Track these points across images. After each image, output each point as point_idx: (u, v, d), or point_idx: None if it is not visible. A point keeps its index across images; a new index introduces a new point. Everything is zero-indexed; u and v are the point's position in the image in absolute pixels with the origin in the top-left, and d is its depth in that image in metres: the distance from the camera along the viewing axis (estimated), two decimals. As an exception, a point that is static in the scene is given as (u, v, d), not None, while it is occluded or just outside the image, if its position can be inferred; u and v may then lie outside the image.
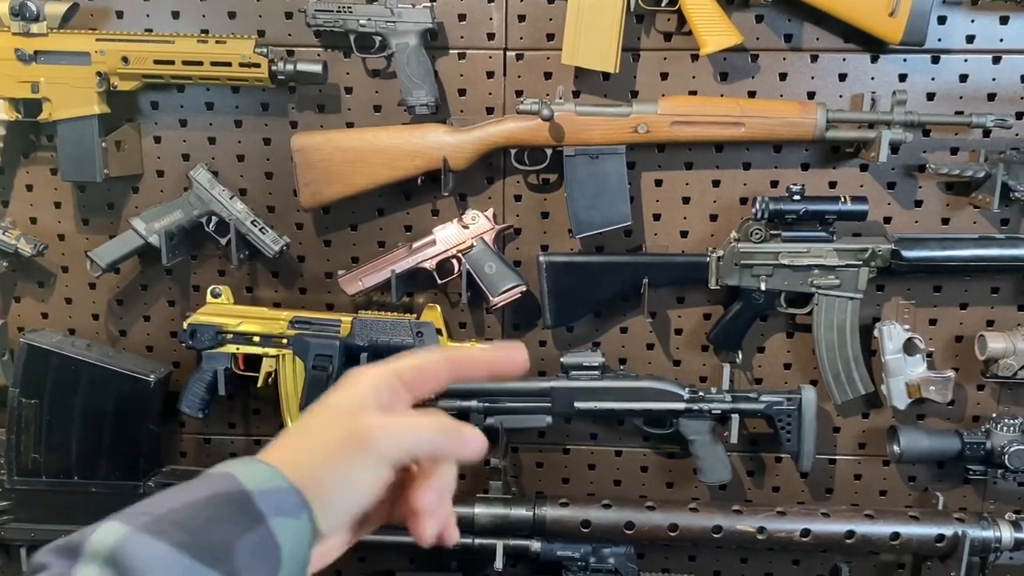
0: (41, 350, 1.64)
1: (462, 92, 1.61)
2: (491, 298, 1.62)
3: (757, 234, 1.56)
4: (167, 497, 0.50)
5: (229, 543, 0.47)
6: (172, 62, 1.53)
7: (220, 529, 0.48)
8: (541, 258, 1.61)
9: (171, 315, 1.75)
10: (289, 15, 1.60)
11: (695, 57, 1.58)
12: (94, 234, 1.71)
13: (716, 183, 1.63)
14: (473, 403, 1.66)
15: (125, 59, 1.53)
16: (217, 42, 1.53)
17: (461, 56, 1.60)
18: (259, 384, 1.67)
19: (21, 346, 1.64)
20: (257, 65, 1.52)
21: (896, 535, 1.61)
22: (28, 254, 1.65)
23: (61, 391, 1.65)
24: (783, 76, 1.58)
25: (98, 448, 1.67)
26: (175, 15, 1.61)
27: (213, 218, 1.62)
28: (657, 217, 1.65)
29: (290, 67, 1.53)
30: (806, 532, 1.61)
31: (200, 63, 1.52)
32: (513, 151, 1.58)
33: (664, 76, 1.59)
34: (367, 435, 0.54)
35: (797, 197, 1.53)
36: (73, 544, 0.47)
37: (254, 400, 1.78)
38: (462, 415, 1.67)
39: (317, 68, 1.53)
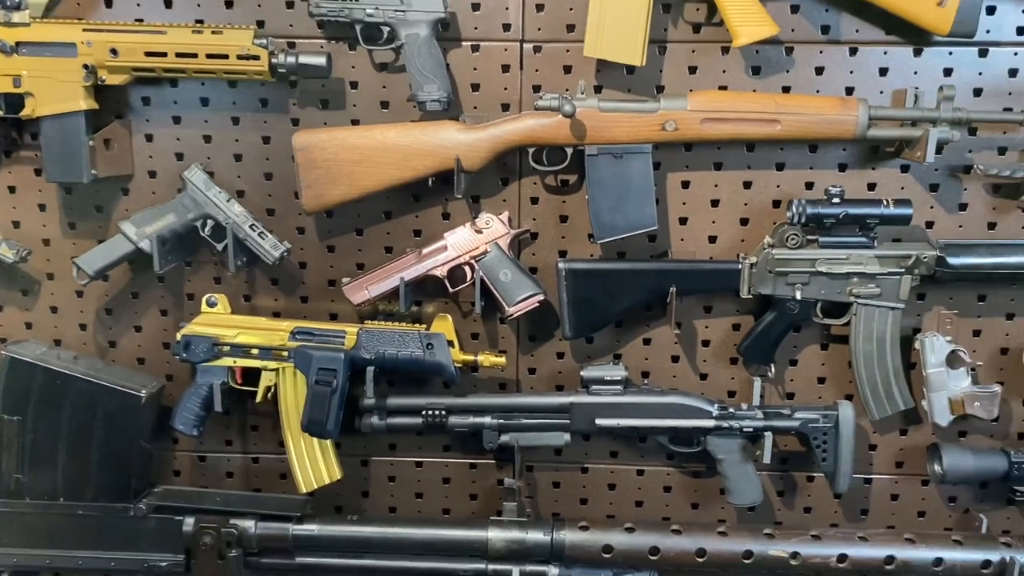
0: (24, 363, 1.53)
1: (475, 87, 1.51)
2: (507, 308, 1.51)
3: (793, 239, 1.46)
4: None
5: None
6: (164, 54, 1.42)
7: None
8: (561, 265, 1.51)
9: (164, 325, 1.64)
10: (290, 4, 1.49)
11: (726, 50, 1.48)
12: (81, 239, 1.60)
13: (747, 185, 1.53)
14: (487, 419, 1.57)
15: (114, 51, 1.42)
16: (213, 32, 1.42)
17: (475, 48, 1.50)
18: (258, 399, 1.56)
19: (2, 359, 1.54)
20: (256, 57, 1.41)
21: (939, 561, 1.51)
22: (10, 260, 1.54)
23: (46, 407, 1.54)
24: (820, 70, 1.48)
25: (85, 468, 1.56)
26: (167, 4, 1.51)
27: (209, 222, 1.52)
28: (684, 221, 1.55)
29: (292, 60, 1.42)
30: (843, 558, 1.51)
31: (195, 55, 1.42)
32: (531, 150, 1.48)
33: (692, 70, 1.49)
34: None
35: (836, 200, 1.43)
36: None
37: (252, 416, 1.67)
38: (475, 432, 1.57)
39: (321, 61, 1.43)
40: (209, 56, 1.42)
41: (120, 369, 1.63)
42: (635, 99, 1.46)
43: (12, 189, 1.59)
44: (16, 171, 1.59)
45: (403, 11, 1.42)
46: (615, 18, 1.39)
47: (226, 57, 1.42)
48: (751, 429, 1.53)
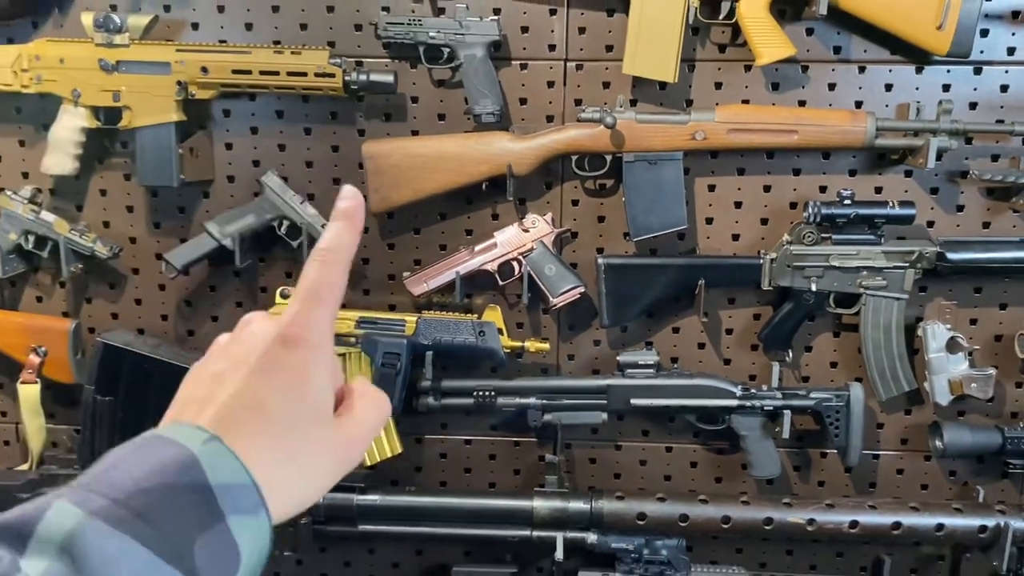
0: (116, 349, 1.70)
1: (523, 101, 1.68)
2: (551, 299, 1.68)
3: (809, 237, 1.63)
4: (121, 471, 0.45)
5: (190, 539, 0.44)
6: (250, 72, 1.59)
7: (181, 523, 0.44)
8: (600, 260, 1.68)
9: (239, 316, 1.79)
10: (359, 27, 1.67)
11: (748, 68, 1.65)
12: (165, 237, 1.77)
13: (767, 188, 1.70)
14: (531, 400, 1.73)
15: (204, 69, 1.60)
16: (293, 53, 1.59)
17: (523, 66, 1.67)
18: (326, 382, 1.72)
19: (96, 345, 1.70)
20: (332, 75, 1.58)
21: (940, 526, 1.67)
22: (104, 256, 1.71)
23: (135, 388, 1.71)
24: (832, 86, 1.65)
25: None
26: (248, 27, 1.68)
27: (284, 222, 1.69)
28: (710, 221, 1.72)
29: (363, 77, 1.59)
30: (854, 524, 1.68)
31: (277, 73, 1.59)
32: (574, 157, 1.65)
33: (718, 86, 1.66)
34: (353, 455, 0.56)
35: (848, 202, 1.60)
36: (19, 525, 0.41)
37: (317, 398, 1.83)
38: (520, 412, 1.74)
39: (389, 78, 1.60)
40: (289, 74, 1.59)
41: (199, 355, 1.79)
42: (668, 112, 1.63)
43: (103, 192, 1.77)
44: (107, 176, 1.76)
45: (462, 34, 1.60)
46: (650, 40, 1.56)
47: (305, 75, 1.59)
48: (771, 408, 1.69)
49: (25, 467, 1.79)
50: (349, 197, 0.59)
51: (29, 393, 1.75)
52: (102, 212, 1.78)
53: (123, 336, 1.75)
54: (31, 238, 1.72)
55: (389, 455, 1.74)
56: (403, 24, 1.60)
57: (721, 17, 1.57)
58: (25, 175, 1.77)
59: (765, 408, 1.69)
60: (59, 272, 1.76)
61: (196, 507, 0.44)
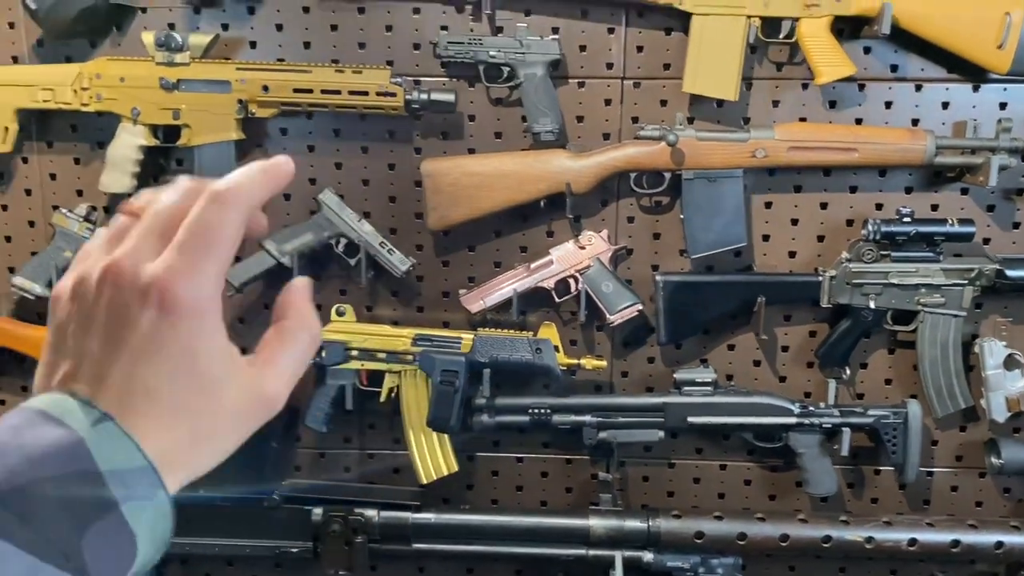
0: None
1: (580, 119, 1.69)
2: (608, 316, 1.68)
3: (869, 254, 1.63)
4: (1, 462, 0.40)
5: (77, 536, 0.40)
6: (311, 91, 1.60)
7: (67, 519, 0.40)
8: (658, 277, 1.68)
9: (291, 333, 1.80)
10: (417, 46, 1.67)
11: (805, 86, 1.66)
12: (219, 255, 1.77)
13: (823, 206, 1.70)
14: (587, 418, 1.72)
15: (265, 87, 1.60)
16: (354, 72, 1.60)
17: (580, 84, 1.68)
18: (382, 399, 1.73)
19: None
20: (393, 94, 1.59)
21: (1000, 544, 1.67)
22: (161, 274, 1.71)
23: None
24: (888, 104, 1.66)
25: (224, 463, 1.72)
26: (306, 45, 1.68)
27: (342, 240, 1.69)
28: (766, 238, 1.72)
29: (424, 96, 1.60)
30: (912, 542, 1.67)
31: (338, 92, 1.59)
32: (632, 175, 1.65)
33: (775, 104, 1.67)
34: (268, 409, 0.50)
35: (907, 220, 1.60)
36: None
37: (370, 415, 1.83)
38: (575, 429, 1.73)
39: (450, 97, 1.60)
40: (351, 92, 1.59)
41: (253, 373, 1.79)
42: (727, 129, 1.64)
43: (158, 210, 1.76)
44: (162, 194, 1.76)
45: (523, 53, 1.60)
46: (711, 58, 1.57)
47: (366, 94, 1.59)
48: (829, 425, 1.69)
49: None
50: (281, 162, 0.52)
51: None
52: (156, 230, 1.77)
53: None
54: (86, 256, 1.72)
55: (445, 472, 1.74)
56: (463, 43, 1.61)
57: (781, 36, 1.58)
58: (80, 193, 1.77)
59: (823, 426, 1.69)
60: (112, 290, 1.76)
61: (83, 498, 0.41)
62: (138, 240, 0.47)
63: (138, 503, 0.42)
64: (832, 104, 1.67)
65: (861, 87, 1.66)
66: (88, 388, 0.45)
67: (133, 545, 0.42)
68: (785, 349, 1.77)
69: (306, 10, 1.67)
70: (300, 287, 0.54)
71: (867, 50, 1.64)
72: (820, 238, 1.72)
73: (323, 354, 1.70)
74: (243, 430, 0.49)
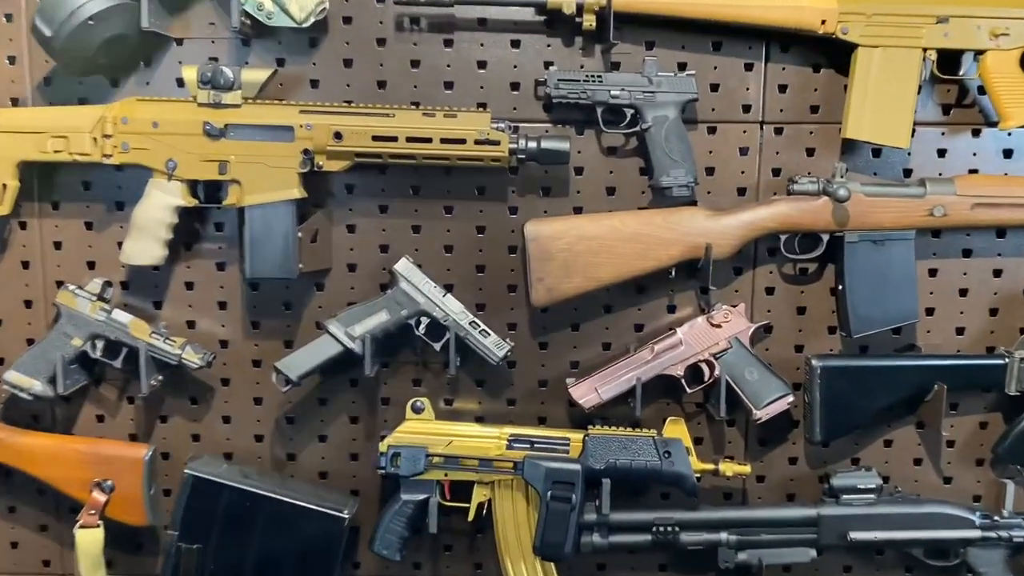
0: (210, 483, 1.36)
1: (710, 171, 1.41)
2: (755, 411, 1.38)
3: (1067, 331, 1.36)
4: None
5: None
6: (395, 139, 1.30)
7: None
8: (814, 362, 1.39)
9: (352, 434, 1.47)
10: (515, 86, 1.39)
11: (977, 132, 1.40)
12: (265, 339, 1.44)
13: (997, 273, 1.44)
14: (723, 535, 1.41)
15: (338, 135, 1.30)
16: (446, 115, 1.31)
17: (711, 130, 1.40)
18: (470, 516, 1.39)
19: (184, 479, 1.35)
20: (496, 142, 1.30)
21: None
22: (196, 366, 1.37)
23: (232, 533, 1.35)
24: (1074, 154, 1.41)
25: (274, 600, 1.37)
26: (381, 85, 1.39)
27: (424, 319, 1.37)
28: (930, 312, 1.45)
29: (533, 145, 1.31)
30: None
31: (429, 140, 1.29)
32: (783, 237, 1.37)
33: (941, 153, 1.41)
34: None
35: (1114, 288, 1.34)
36: None
37: (446, 534, 1.49)
38: (708, 549, 1.41)
39: (565, 146, 1.32)
40: (444, 140, 1.30)
41: (307, 485, 1.44)
42: (900, 184, 1.37)
43: (189, 286, 1.43)
44: (196, 266, 1.43)
45: (652, 92, 1.33)
46: (881, 98, 1.31)
47: (463, 142, 1.30)
48: (1021, 539, 1.39)
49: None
50: None
51: (91, 540, 1.37)
52: (187, 310, 1.44)
53: (215, 465, 1.40)
54: (99, 344, 1.38)
55: (551, 608, 1.40)
56: (578, 81, 1.33)
57: (961, 73, 1.33)
58: (91, 265, 1.43)
59: (1015, 539, 1.39)
60: (127, 385, 1.42)
61: None
62: None
63: None
64: (1007, 153, 1.41)
65: (1044, 134, 1.41)
66: None
67: None
68: (951, 444, 1.48)
69: (381, 42, 1.38)
70: None
71: (1050, 91, 1.39)
72: (993, 311, 1.45)
73: (399, 463, 1.36)
74: None
